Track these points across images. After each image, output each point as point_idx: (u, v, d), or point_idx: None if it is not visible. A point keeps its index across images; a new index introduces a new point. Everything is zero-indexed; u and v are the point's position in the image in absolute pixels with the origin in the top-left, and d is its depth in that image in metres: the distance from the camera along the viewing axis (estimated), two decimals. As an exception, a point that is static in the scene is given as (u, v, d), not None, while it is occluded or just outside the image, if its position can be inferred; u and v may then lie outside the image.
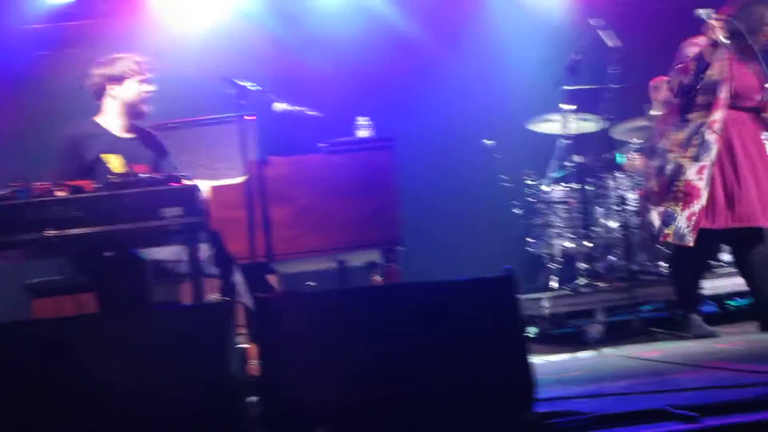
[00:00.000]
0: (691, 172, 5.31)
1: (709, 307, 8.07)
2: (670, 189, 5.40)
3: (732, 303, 7.98)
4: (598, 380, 4.06)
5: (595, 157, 7.13)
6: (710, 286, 6.32)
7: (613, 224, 6.81)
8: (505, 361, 3.14)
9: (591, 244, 6.76)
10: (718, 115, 5.32)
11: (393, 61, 8.41)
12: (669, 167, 5.39)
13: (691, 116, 5.38)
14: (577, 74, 6.82)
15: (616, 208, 6.74)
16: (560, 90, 7.09)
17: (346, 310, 3.21)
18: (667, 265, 6.40)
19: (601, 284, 6.25)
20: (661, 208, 5.41)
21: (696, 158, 5.32)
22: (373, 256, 5.06)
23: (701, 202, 5.26)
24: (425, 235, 7.56)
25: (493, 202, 7.56)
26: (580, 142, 6.96)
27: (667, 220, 5.37)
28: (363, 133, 5.23)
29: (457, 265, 7.13)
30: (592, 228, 6.83)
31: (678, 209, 5.33)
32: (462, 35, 8.80)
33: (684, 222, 5.29)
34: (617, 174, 6.90)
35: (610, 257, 6.75)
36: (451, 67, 8.63)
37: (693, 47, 5.39)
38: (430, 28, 8.65)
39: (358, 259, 5.22)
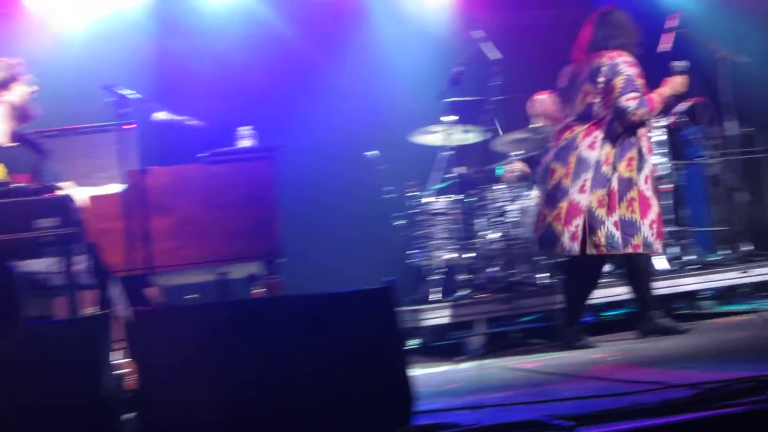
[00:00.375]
0: (641, 184, 5.48)
1: (587, 318, 8.27)
2: (622, 200, 5.49)
3: (608, 313, 8.18)
4: (478, 392, 4.09)
5: (476, 169, 7.22)
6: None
7: (494, 236, 6.89)
8: (385, 373, 3.14)
9: (472, 256, 6.83)
10: (643, 129, 5.55)
11: (277, 71, 8.40)
12: (614, 180, 5.48)
13: (618, 130, 5.48)
14: (460, 86, 6.90)
15: (496, 219, 6.83)
16: (442, 102, 7.15)
17: (226, 323, 3.16)
18: (548, 275, 6.52)
19: (481, 296, 6.31)
20: (616, 218, 5.45)
21: (639, 170, 5.48)
22: (254, 268, 5.02)
23: (655, 210, 5.50)
24: (307, 247, 7.54)
25: (376, 213, 7.57)
26: (461, 153, 7.03)
27: (630, 230, 5.45)
28: (245, 143, 5.18)
29: (339, 277, 7.13)
30: (473, 240, 6.91)
31: (637, 218, 5.45)
32: (346, 47, 8.84)
33: (648, 231, 5.45)
34: (497, 186, 6.99)
35: (491, 269, 6.83)
36: (335, 78, 8.63)
37: (631, 68, 5.52)
38: (315, 39, 8.67)
39: (239, 272, 5.16)
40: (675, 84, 5.65)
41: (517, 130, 7.25)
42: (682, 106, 7.54)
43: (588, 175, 5.42)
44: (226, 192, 4.82)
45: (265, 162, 4.92)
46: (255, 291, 5.25)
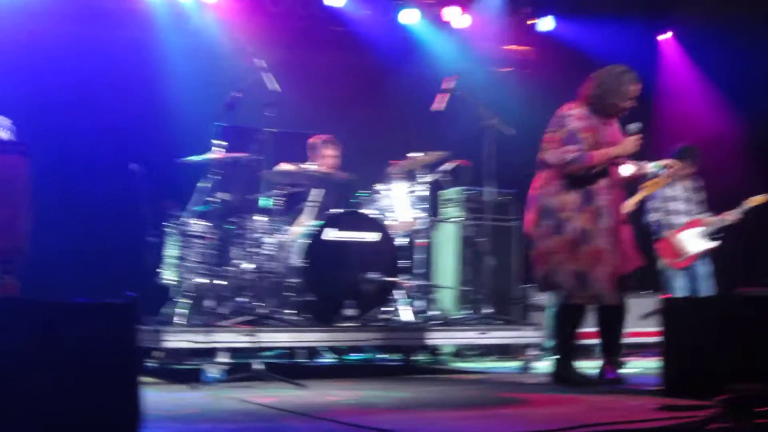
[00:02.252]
0: (598, 236, 5.58)
1: (329, 360, 8.35)
2: (578, 250, 5.58)
3: (349, 357, 8.30)
4: (211, 420, 4.01)
5: (240, 197, 7.14)
6: (329, 338, 6.53)
7: (247, 266, 6.83)
8: (115, 390, 3.02)
9: (223, 283, 6.74)
10: (604, 182, 5.67)
11: (48, 69, 8.07)
12: (569, 228, 5.55)
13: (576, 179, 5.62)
14: (235, 112, 6.83)
15: (252, 250, 6.78)
16: (215, 125, 7.06)
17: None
18: (295, 312, 6.54)
19: (226, 324, 6.21)
20: (573, 267, 5.58)
21: (597, 221, 5.59)
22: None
23: (610, 263, 5.60)
24: (56, 251, 7.23)
25: (132, 227, 7.34)
26: (227, 179, 6.92)
27: (583, 281, 5.59)
28: (1, 135, 4.92)
29: (83, 286, 6.83)
30: (226, 267, 6.82)
31: (589, 270, 5.57)
32: (125, 58, 8.61)
33: (600, 283, 5.59)
34: (258, 217, 6.95)
35: (240, 298, 6.76)
36: (107, 84, 8.38)
37: (577, 121, 5.60)
38: (95, 43, 8.39)
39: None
40: (626, 145, 5.74)
41: (286, 164, 7.24)
42: (447, 166, 7.78)
43: (549, 222, 5.62)
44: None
45: (16, 156, 4.69)
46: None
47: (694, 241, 8.38)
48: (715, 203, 8.55)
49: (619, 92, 5.73)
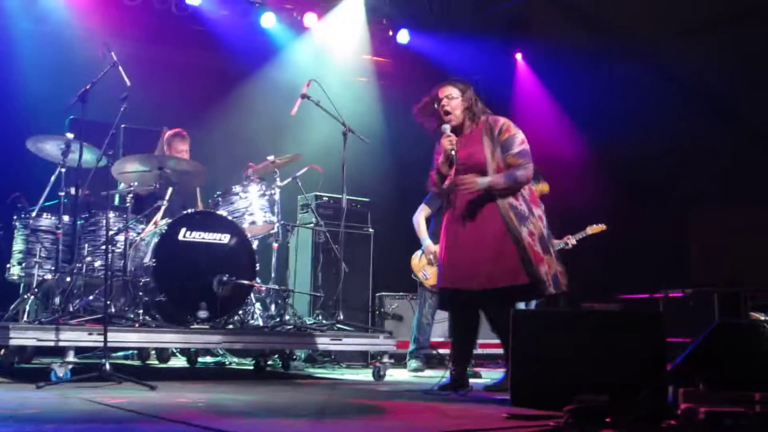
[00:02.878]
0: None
1: (179, 362, 8.22)
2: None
3: (201, 360, 8.20)
4: (56, 421, 3.87)
5: (92, 193, 6.96)
6: (181, 340, 6.42)
7: (98, 263, 6.66)
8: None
9: (71, 280, 6.54)
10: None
11: None
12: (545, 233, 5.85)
13: None
14: (86, 104, 6.63)
15: (103, 247, 6.60)
16: (68, 118, 6.85)
17: None
18: (146, 312, 6.40)
19: (74, 322, 6.02)
20: (561, 268, 5.82)
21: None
22: None
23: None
24: None
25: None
26: (79, 174, 6.70)
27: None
28: None
29: None
30: (76, 264, 6.62)
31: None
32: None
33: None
34: (111, 214, 6.77)
35: (90, 296, 6.58)
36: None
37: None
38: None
39: None
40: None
41: (135, 157, 7.04)
42: (301, 171, 7.79)
43: None
44: None
45: None
46: None
47: None
48: (559, 225, 8.76)
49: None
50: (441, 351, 8.81)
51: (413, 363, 7.94)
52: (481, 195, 5.85)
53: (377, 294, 9.59)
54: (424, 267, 8.04)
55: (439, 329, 9.27)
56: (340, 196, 7.83)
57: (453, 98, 6.08)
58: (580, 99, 10.55)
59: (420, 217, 8.12)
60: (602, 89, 10.21)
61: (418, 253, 8.09)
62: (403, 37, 11.68)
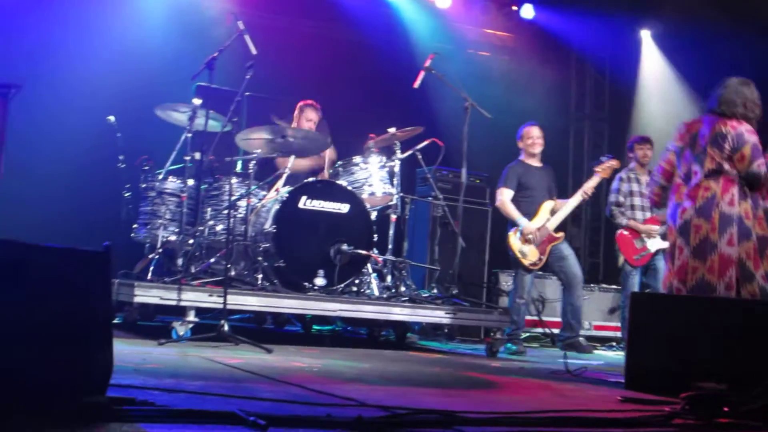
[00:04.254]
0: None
1: (294, 328, 8.34)
2: (763, 255, 5.68)
3: (315, 327, 8.30)
4: (177, 376, 3.97)
5: (217, 158, 7.09)
6: (298, 306, 6.51)
7: (220, 227, 6.79)
8: (86, 340, 2.95)
9: (194, 242, 6.69)
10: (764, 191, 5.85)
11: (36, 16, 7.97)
12: (753, 235, 5.66)
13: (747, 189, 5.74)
14: (213, 72, 6.75)
15: (225, 212, 6.74)
16: (194, 84, 6.99)
17: None
18: (264, 276, 6.50)
19: (197, 284, 6.16)
20: (762, 272, 5.65)
21: (765, 227, 5.74)
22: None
23: None
24: (29, 196, 7.16)
25: (106, 180, 7.27)
26: (205, 139, 6.85)
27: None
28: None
29: (56, 234, 6.75)
30: (199, 227, 6.77)
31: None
32: (107, 11, 8.52)
33: None
34: (234, 180, 6.89)
35: (212, 259, 6.72)
36: (91, 37, 8.27)
37: (754, 135, 5.71)
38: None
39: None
40: None
41: (260, 128, 7.14)
42: (421, 144, 7.77)
43: (733, 229, 5.59)
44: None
45: (-4, 97, 4.61)
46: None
47: (652, 239, 8.37)
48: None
49: (755, 103, 5.88)
50: (554, 330, 8.73)
51: (511, 346, 7.77)
52: None
53: (493, 270, 9.54)
54: (522, 246, 7.92)
55: (550, 309, 9.20)
56: (460, 170, 7.81)
57: None
58: (708, 78, 10.23)
59: (505, 198, 8.01)
60: (732, 68, 9.86)
61: (516, 231, 7.96)
62: (528, 11, 11.52)
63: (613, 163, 8.23)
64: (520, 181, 8.02)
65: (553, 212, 8.00)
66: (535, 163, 8.18)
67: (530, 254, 7.86)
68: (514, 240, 7.94)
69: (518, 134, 8.27)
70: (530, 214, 7.95)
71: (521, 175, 8.05)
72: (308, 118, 7.86)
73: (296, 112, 7.95)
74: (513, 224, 8.00)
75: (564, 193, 8.76)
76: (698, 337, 4.80)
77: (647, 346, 5.01)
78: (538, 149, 8.18)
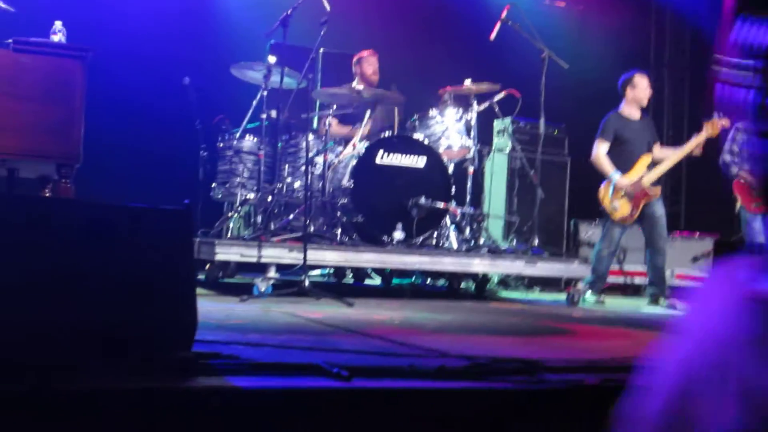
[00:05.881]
0: None
1: (374, 281, 8.39)
2: None
3: (395, 280, 8.33)
4: (260, 331, 4.03)
5: (291, 116, 7.12)
6: (377, 260, 6.54)
7: (297, 184, 6.84)
8: (171, 297, 3.00)
9: (272, 200, 6.76)
10: None
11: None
12: None
13: None
14: (287, 29, 6.76)
15: (303, 169, 6.78)
16: (268, 42, 7.01)
17: (6, 221, 2.92)
18: (343, 231, 6.54)
19: (276, 240, 6.23)
20: None
21: None
22: (47, 169, 4.75)
23: None
24: (110, 159, 7.27)
25: (184, 139, 7.36)
26: (280, 97, 6.87)
27: None
28: (56, 38, 4.90)
29: (137, 194, 6.85)
30: (277, 184, 6.83)
31: None
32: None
33: None
34: (310, 136, 6.92)
35: (290, 215, 6.78)
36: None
37: None
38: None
39: (30, 170, 4.88)
40: None
41: (336, 86, 7.16)
42: (498, 96, 7.69)
43: None
44: (28, 84, 4.56)
45: (74, 61, 4.68)
46: (44, 192, 4.98)
47: None
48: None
49: None
50: (638, 280, 8.65)
51: (590, 296, 7.65)
52: None
53: (572, 220, 9.46)
54: (614, 199, 7.75)
55: (633, 257, 9.09)
56: (538, 121, 7.73)
57: None
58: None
59: (600, 152, 7.78)
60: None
61: (609, 184, 7.79)
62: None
63: (724, 122, 7.98)
64: (617, 134, 7.77)
65: (651, 166, 7.78)
66: (635, 114, 7.90)
67: (622, 208, 7.69)
68: (605, 193, 7.78)
69: (621, 82, 7.89)
70: (626, 169, 7.73)
71: (619, 128, 7.79)
72: (367, 72, 7.84)
73: (355, 64, 7.92)
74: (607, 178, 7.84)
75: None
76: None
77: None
78: (645, 101, 7.86)
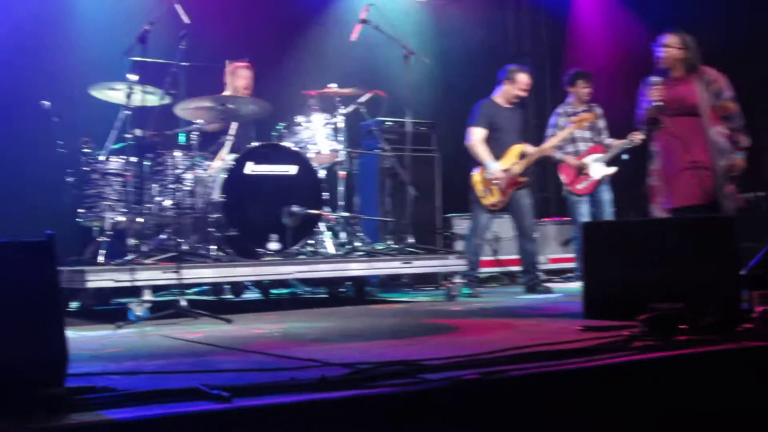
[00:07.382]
0: None
1: (253, 294, 8.32)
2: None
3: (274, 291, 8.29)
4: (137, 358, 3.96)
5: (156, 133, 7.01)
6: (253, 273, 6.50)
7: (167, 203, 6.74)
8: (38, 332, 2.93)
9: (143, 221, 6.64)
10: None
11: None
12: None
13: None
14: (146, 45, 6.66)
15: (171, 186, 6.69)
16: (127, 59, 6.88)
17: None
18: (217, 247, 6.47)
19: (149, 262, 6.12)
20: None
21: None
22: None
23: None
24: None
25: (47, 166, 7.15)
26: (143, 115, 6.76)
27: None
28: None
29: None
30: (146, 204, 6.72)
31: None
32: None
33: None
34: (176, 152, 6.84)
35: (161, 235, 6.67)
36: (16, 22, 8.10)
37: None
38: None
39: None
40: None
41: (200, 98, 7.06)
42: (365, 97, 7.73)
43: None
44: None
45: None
46: None
47: (595, 166, 8.40)
48: (614, 129, 8.56)
49: None
50: (513, 269, 8.82)
51: (467, 289, 7.75)
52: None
53: (446, 216, 9.57)
54: (486, 186, 7.91)
55: (507, 247, 9.27)
56: (404, 120, 7.80)
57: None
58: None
59: (477, 138, 7.95)
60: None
61: (482, 171, 7.94)
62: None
63: (589, 115, 8.24)
64: (490, 120, 7.94)
65: (521, 156, 7.96)
66: (506, 104, 8.12)
67: (492, 195, 7.86)
68: (477, 179, 7.93)
69: (505, 71, 8.13)
70: (497, 157, 7.91)
71: (492, 115, 7.97)
72: (239, 82, 7.78)
73: (228, 74, 7.85)
74: (479, 164, 7.98)
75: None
76: (649, 259, 4.88)
77: (602, 274, 5.09)
78: (517, 99, 8.13)
